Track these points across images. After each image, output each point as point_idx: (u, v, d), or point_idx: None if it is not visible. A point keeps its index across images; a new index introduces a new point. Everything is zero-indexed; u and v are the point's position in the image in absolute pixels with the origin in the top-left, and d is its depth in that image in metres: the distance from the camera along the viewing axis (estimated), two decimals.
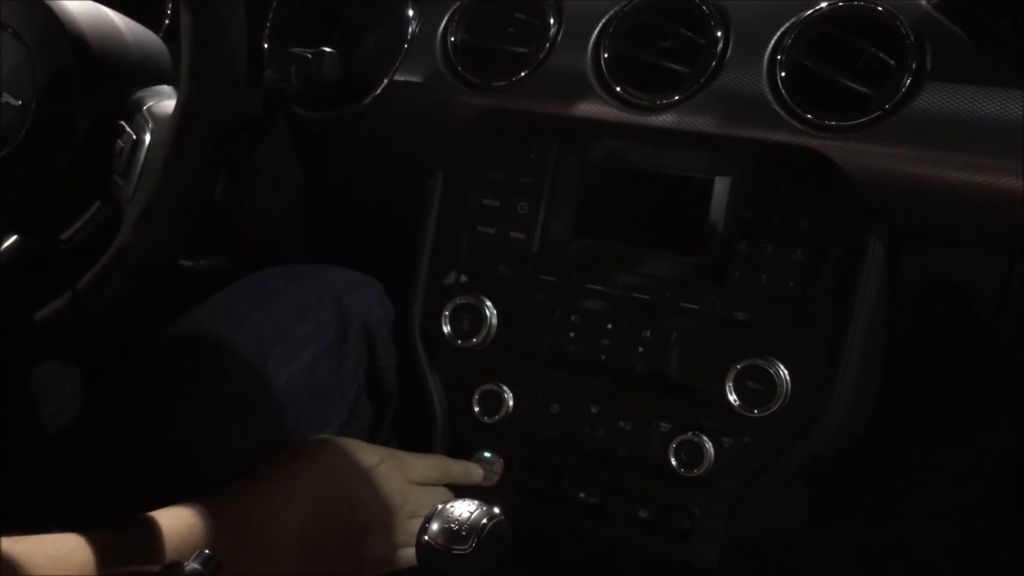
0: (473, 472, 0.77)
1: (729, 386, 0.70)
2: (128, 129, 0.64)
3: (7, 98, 0.66)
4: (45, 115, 0.65)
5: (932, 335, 0.75)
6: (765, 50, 0.71)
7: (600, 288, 0.75)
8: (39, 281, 0.69)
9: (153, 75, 0.69)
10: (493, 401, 0.78)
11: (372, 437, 0.80)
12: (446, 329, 0.79)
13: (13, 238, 0.74)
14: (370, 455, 0.69)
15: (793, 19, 0.71)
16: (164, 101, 0.66)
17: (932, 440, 0.87)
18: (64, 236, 0.67)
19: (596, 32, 0.76)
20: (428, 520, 0.57)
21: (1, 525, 0.59)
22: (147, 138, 0.63)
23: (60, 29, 0.65)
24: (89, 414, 0.75)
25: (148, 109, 0.65)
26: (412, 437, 0.82)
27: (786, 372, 0.69)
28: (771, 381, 0.69)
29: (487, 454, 0.78)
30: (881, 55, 0.69)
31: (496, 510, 0.57)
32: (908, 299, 0.71)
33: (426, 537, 0.56)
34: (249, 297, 0.78)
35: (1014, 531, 0.84)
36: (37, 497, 0.67)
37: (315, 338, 0.76)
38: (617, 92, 0.74)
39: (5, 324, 0.68)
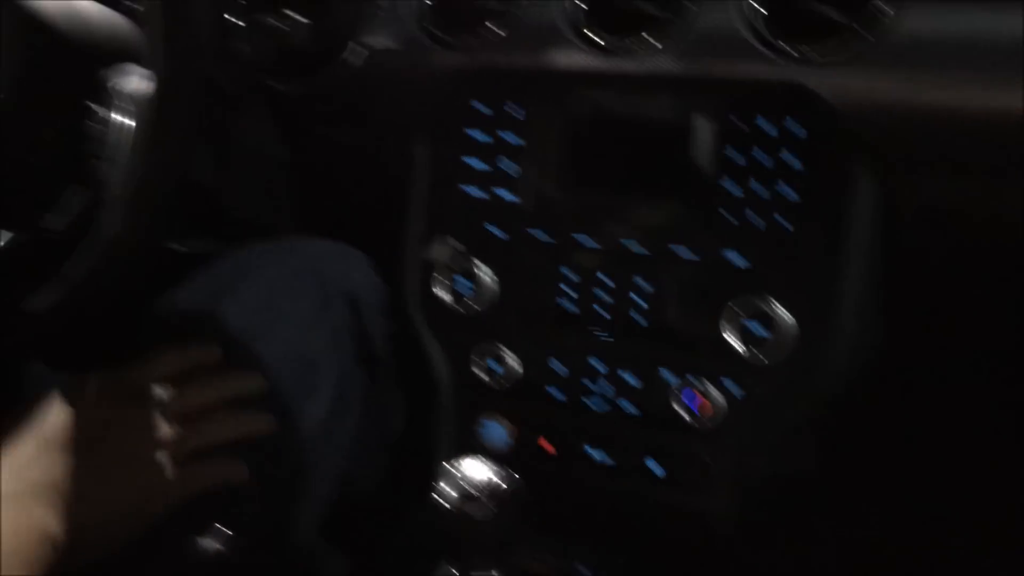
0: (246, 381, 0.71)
1: (731, 331, 0.69)
2: (100, 111, 0.63)
3: None
4: (15, 104, 0.63)
5: (931, 264, 0.75)
6: None
7: (592, 241, 0.74)
8: (29, 271, 0.68)
9: (121, 54, 0.67)
10: (496, 364, 0.77)
11: (367, 406, 0.79)
12: (443, 294, 0.78)
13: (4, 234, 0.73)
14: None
15: None
16: (134, 80, 0.65)
17: (941, 376, 0.87)
18: (48, 225, 0.66)
19: None
20: (442, 483, 0.56)
21: None
22: (120, 118, 0.62)
23: (24, 15, 0.64)
24: None
25: (118, 89, 0.64)
26: (414, 406, 0.82)
27: (786, 313, 0.68)
28: (772, 323, 0.68)
29: (495, 419, 0.77)
30: None
31: (511, 472, 0.57)
32: (904, 229, 0.71)
33: (441, 500, 0.56)
34: (228, 274, 0.78)
35: None
36: None
37: (297, 309, 0.76)
38: (592, 40, 0.73)
39: None
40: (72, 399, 0.64)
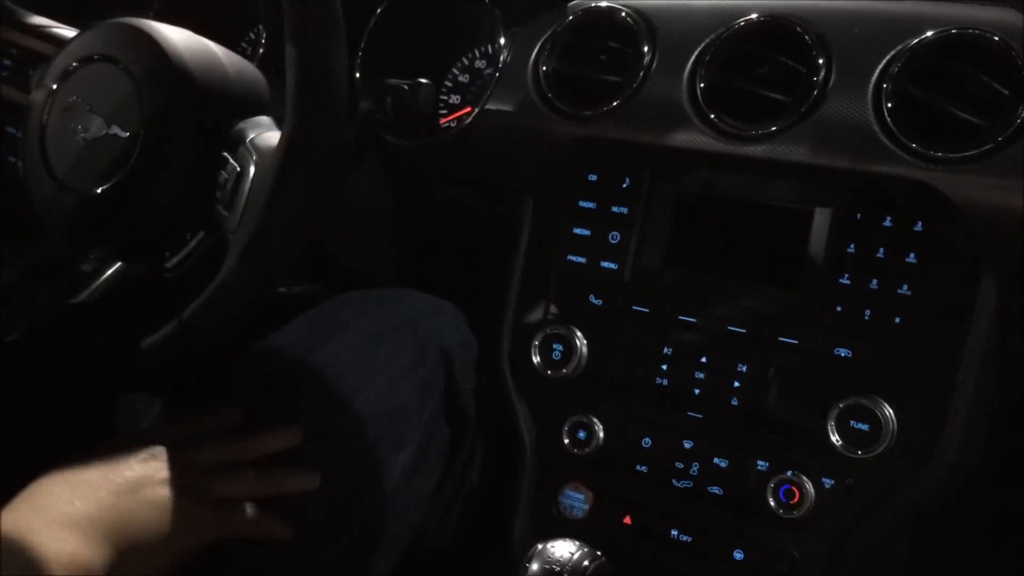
0: (267, 441, 0.70)
1: (831, 425, 0.67)
2: (232, 160, 0.66)
3: (116, 130, 0.68)
4: (152, 147, 0.66)
5: None
6: (870, 78, 0.68)
7: (694, 320, 0.73)
8: (142, 308, 0.71)
9: (253, 106, 0.70)
10: (583, 433, 0.77)
11: (451, 461, 0.80)
12: (536, 359, 0.78)
13: (117, 265, 0.76)
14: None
15: (900, 46, 0.68)
16: (266, 133, 0.68)
17: None
18: (168, 265, 0.69)
19: (692, 60, 0.75)
20: (529, 560, 0.56)
21: None
22: (251, 169, 0.64)
23: (167, 63, 0.67)
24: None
25: (251, 141, 0.66)
26: (498, 467, 0.82)
27: (892, 412, 0.66)
28: (876, 421, 0.66)
29: (576, 487, 0.77)
30: (994, 84, 0.66)
31: (597, 552, 0.57)
32: (1021, 339, 0.68)
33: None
34: (326, 323, 0.79)
35: None
36: None
37: (392, 362, 0.77)
38: (713, 121, 0.73)
39: (110, 351, 0.70)
40: (114, 446, 0.65)
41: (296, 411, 0.72)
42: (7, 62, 0.84)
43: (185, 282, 0.67)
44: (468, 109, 0.88)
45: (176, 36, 0.69)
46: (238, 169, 0.64)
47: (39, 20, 0.85)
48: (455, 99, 0.92)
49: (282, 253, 0.61)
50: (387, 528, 0.74)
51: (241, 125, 0.68)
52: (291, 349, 0.76)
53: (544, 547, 0.56)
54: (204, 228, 0.68)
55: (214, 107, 0.67)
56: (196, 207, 0.67)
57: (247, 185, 0.63)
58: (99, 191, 0.68)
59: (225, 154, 0.66)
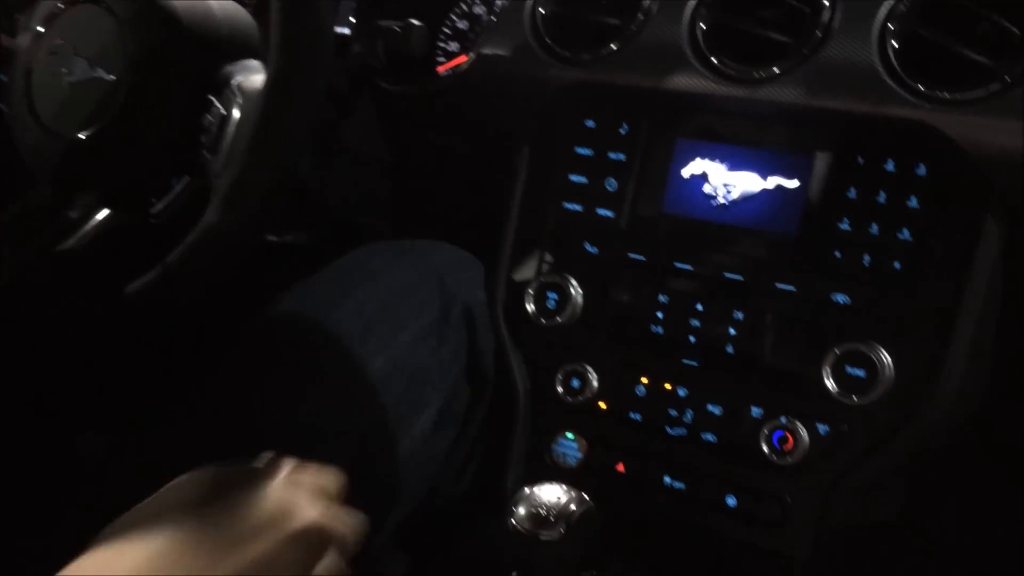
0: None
1: (827, 371, 0.67)
2: (217, 104, 0.64)
3: (100, 72, 0.67)
4: (137, 89, 0.65)
5: None
6: (876, 18, 0.67)
7: (690, 267, 0.72)
8: (128, 254, 0.70)
9: (241, 49, 0.69)
10: (577, 381, 0.76)
11: (467, 421, 0.79)
12: (530, 307, 0.77)
13: (104, 212, 0.76)
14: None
15: None
16: (253, 76, 0.66)
17: None
18: (154, 211, 0.68)
19: (693, 1, 0.73)
20: (515, 504, 0.56)
21: (72, 511, 0.59)
22: (236, 113, 0.63)
23: (152, 4, 0.66)
24: (182, 397, 0.76)
25: (237, 84, 0.65)
26: (501, 419, 0.82)
27: (889, 358, 0.65)
28: (873, 367, 0.65)
29: (569, 435, 0.77)
30: (1003, 22, 0.64)
31: (585, 496, 0.56)
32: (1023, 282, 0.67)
33: (513, 521, 0.56)
34: (353, 273, 0.78)
35: None
36: (116, 484, 0.66)
37: (417, 318, 0.76)
38: (714, 64, 0.71)
39: (96, 296, 0.69)
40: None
41: (316, 369, 0.71)
42: None
43: (170, 229, 0.66)
44: (466, 57, 0.86)
45: None
46: (223, 112, 0.63)
47: None
48: (453, 47, 0.90)
49: (266, 197, 0.60)
50: (404, 486, 0.74)
51: (228, 68, 0.67)
52: (314, 301, 0.75)
53: (532, 491, 0.56)
54: (189, 173, 0.67)
55: (200, 51, 0.66)
56: (181, 151, 0.66)
57: (231, 128, 0.62)
58: (83, 136, 0.67)
59: (211, 97, 0.65)
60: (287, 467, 0.54)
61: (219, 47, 0.67)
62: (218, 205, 0.60)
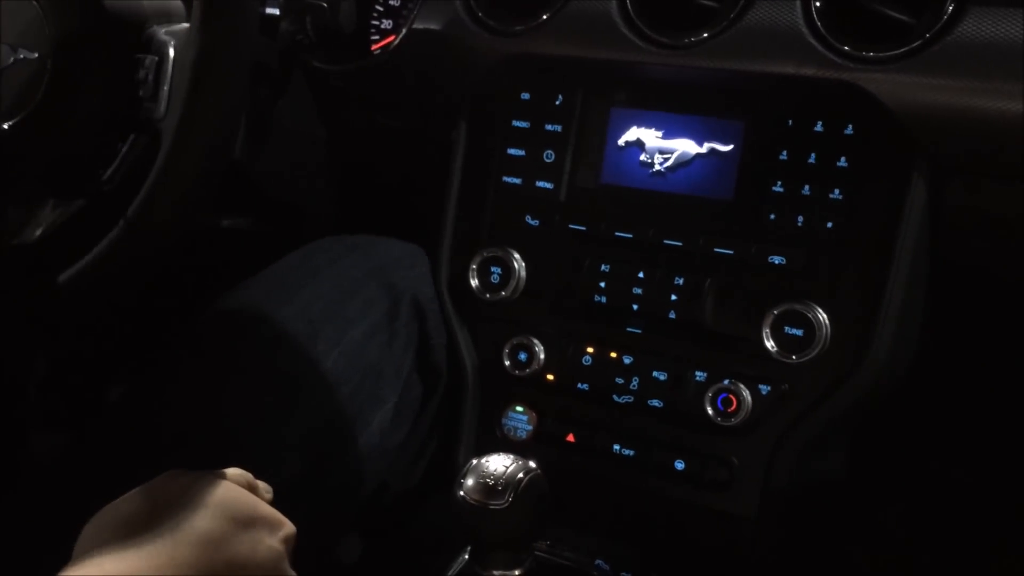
0: None
1: (766, 332, 0.68)
2: (148, 56, 0.64)
3: (24, 53, 0.65)
4: (63, 66, 0.64)
5: (975, 272, 0.72)
6: None
7: (630, 236, 0.73)
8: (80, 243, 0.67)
9: (166, 19, 0.68)
10: (524, 354, 0.76)
11: (420, 416, 0.79)
12: (474, 282, 0.77)
13: (52, 207, 0.73)
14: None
15: None
16: (180, 24, 0.65)
17: (975, 384, 0.85)
18: (104, 178, 0.67)
19: None
20: (463, 475, 0.56)
21: (33, 506, 0.57)
22: (171, 52, 0.63)
23: None
24: (132, 394, 0.74)
25: (165, 30, 0.65)
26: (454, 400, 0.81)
27: (825, 316, 0.67)
28: (810, 326, 0.67)
29: (519, 408, 0.77)
30: None
31: (532, 464, 0.57)
32: (950, 236, 0.69)
33: (462, 492, 0.56)
34: (296, 272, 0.77)
35: None
36: (72, 477, 0.65)
37: (365, 315, 0.75)
38: (643, 31, 0.72)
39: (40, 291, 0.67)
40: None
41: (267, 368, 0.70)
42: None
43: (124, 195, 0.64)
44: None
45: None
46: (156, 59, 0.63)
47: None
48: (387, 24, 0.89)
49: (215, 132, 0.59)
50: (363, 480, 0.73)
51: (153, 28, 0.66)
52: (260, 300, 0.73)
53: (479, 461, 0.56)
54: (134, 131, 0.65)
55: (123, 24, 0.65)
56: (120, 114, 0.64)
57: (168, 68, 0.62)
58: (7, 126, 0.65)
59: (139, 56, 0.64)
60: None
61: (142, 19, 0.66)
62: (169, 144, 0.59)
